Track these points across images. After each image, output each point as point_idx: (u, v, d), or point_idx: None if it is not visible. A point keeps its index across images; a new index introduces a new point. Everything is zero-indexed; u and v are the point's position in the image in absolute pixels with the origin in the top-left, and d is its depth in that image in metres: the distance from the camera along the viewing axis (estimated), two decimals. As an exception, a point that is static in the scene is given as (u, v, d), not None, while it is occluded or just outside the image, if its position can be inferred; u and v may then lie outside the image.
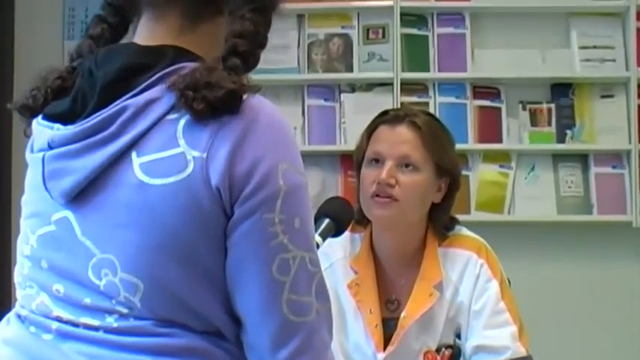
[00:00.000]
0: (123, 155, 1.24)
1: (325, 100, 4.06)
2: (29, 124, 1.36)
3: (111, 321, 1.24)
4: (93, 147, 1.25)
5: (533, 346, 2.13)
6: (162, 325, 1.24)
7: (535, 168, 4.00)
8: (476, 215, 3.91)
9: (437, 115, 3.89)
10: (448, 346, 2.15)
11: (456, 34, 4.05)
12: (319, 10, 4.07)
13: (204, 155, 1.22)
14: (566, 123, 4.00)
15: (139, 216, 1.23)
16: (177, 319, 1.24)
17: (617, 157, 3.98)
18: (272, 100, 4.17)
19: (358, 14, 4.09)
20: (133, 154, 1.24)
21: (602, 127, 3.99)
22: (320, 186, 3.91)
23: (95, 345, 1.24)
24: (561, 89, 4.03)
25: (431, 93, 4.03)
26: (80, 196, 1.26)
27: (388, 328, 2.16)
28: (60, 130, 1.28)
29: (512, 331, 2.10)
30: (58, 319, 1.28)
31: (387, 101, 3.92)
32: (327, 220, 1.97)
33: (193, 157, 1.22)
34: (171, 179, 1.21)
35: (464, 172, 3.83)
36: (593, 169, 3.97)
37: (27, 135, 1.36)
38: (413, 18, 4.07)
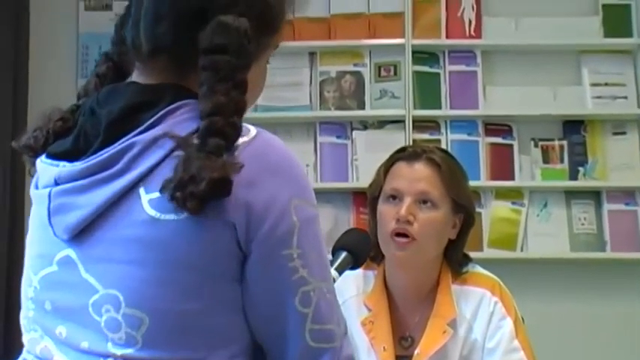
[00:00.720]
0: (130, 191, 1.24)
1: (337, 137, 4.08)
2: (33, 164, 1.37)
3: None
4: (100, 183, 1.25)
5: (547, 383, 2.12)
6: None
7: (547, 205, 4.00)
8: (488, 252, 3.90)
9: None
10: (462, 384, 2.14)
11: (467, 71, 4.07)
12: (331, 47, 4.10)
13: None
14: (578, 160, 4.01)
15: (149, 251, 1.22)
16: (183, 352, 1.24)
17: (629, 194, 3.98)
18: (284, 138, 4.19)
19: (370, 52, 4.12)
20: (141, 190, 1.24)
21: (614, 163, 4.00)
22: (332, 223, 3.91)
23: None
24: (573, 126, 4.05)
25: (443, 130, 4.05)
26: (84, 232, 1.27)
27: (402, 365, 2.15)
28: (66, 167, 1.29)
29: (526, 369, 2.09)
30: None
31: (399, 138, 3.94)
32: (344, 254, 1.95)
33: None
34: (184, 214, 1.21)
35: (476, 210, 3.84)
36: (606, 206, 3.97)
37: (31, 174, 1.37)
38: (424, 55, 4.09)
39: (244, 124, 1.27)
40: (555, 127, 4.06)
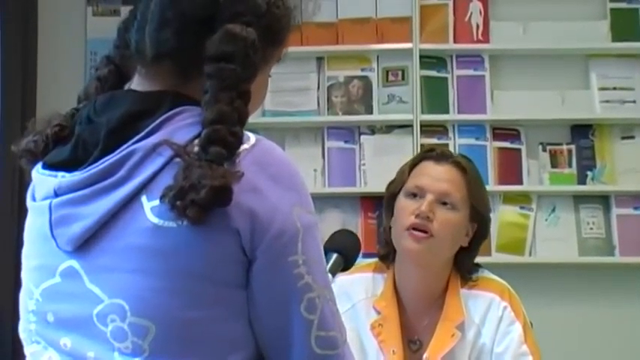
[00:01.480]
0: (133, 199, 1.23)
1: (345, 142, 4.08)
2: (31, 168, 1.36)
3: None
4: (102, 192, 1.24)
5: (556, 389, 2.12)
6: None
7: (556, 209, 4.00)
8: (497, 257, 3.90)
9: (457, 156, 3.95)
10: (471, 388, 2.15)
11: (475, 75, 4.08)
12: (339, 52, 4.11)
13: None
14: (586, 164, 4.01)
15: (153, 259, 1.22)
16: (190, 358, 1.24)
17: (638, 199, 3.98)
18: (292, 142, 4.17)
19: (378, 57, 4.13)
20: (143, 198, 1.23)
21: (623, 168, 3.99)
22: (340, 228, 3.90)
23: None
24: (581, 130, 4.05)
25: (451, 134, 4.05)
26: (87, 242, 1.26)
27: (411, 368, 2.16)
28: (66, 178, 1.28)
29: (535, 374, 2.10)
30: None
31: (406, 143, 3.94)
32: (335, 256, 1.94)
33: None
34: (188, 222, 1.21)
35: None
36: (615, 211, 3.97)
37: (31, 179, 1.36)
38: (432, 60, 4.10)
39: (244, 132, 1.27)
40: (563, 132, 4.06)
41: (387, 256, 2.23)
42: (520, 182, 4.01)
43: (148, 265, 1.22)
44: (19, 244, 4.03)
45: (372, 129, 4.09)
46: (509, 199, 4.00)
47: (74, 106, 1.39)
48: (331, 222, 3.83)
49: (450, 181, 2.17)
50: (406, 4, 4.09)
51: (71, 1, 4.22)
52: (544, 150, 4.03)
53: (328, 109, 4.09)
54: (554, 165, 4.01)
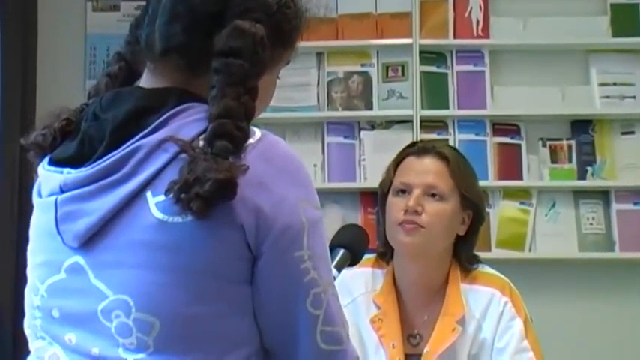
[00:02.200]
0: (138, 195, 1.24)
1: (345, 137, 4.10)
2: (39, 162, 1.37)
3: None
4: (107, 188, 1.25)
5: (555, 384, 2.12)
6: None
7: (556, 205, 4.01)
8: (497, 252, 3.91)
9: (457, 152, 3.95)
10: (471, 382, 2.16)
11: (475, 71, 4.08)
12: (339, 48, 4.12)
13: None
14: (586, 160, 4.01)
15: (158, 254, 1.22)
16: (195, 355, 1.24)
17: (638, 194, 3.99)
18: (292, 138, 4.16)
19: (377, 52, 4.13)
20: (148, 194, 1.24)
21: (623, 163, 4.00)
22: (340, 223, 3.88)
23: None
24: (581, 126, 4.05)
25: (450, 130, 4.06)
26: (93, 238, 1.26)
27: (411, 363, 2.17)
28: (72, 174, 1.28)
29: (536, 369, 2.11)
30: None
31: (406, 138, 3.91)
32: (342, 251, 1.93)
33: None
34: (192, 217, 1.21)
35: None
36: (615, 206, 3.97)
37: (36, 172, 1.37)
38: (432, 56, 4.11)
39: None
40: (563, 127, 4.07)
41: (385, 253, 2.25)
42: (520, 178, 4.02)
43: (152, 260, 1.22)
44: (19, 243, 3.99)
45: (372, 124, 4.10)
46: (509, 194, 4.01)
47: (83, 102, 1.40)
48: (331, 217, 3.83)
49: (434, 173, 2.19)
50: (406, 0, 4.09)
51: (71, -4, 4.25)
52: (544, 145, 4.04)
53: (328, 105, 4.10)
54: (554, 160, 4.02)
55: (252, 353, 1.28)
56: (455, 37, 4.10)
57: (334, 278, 1.60)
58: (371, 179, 3.92)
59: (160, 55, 1.32)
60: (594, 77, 4.05)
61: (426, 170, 2.19)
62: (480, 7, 4.10)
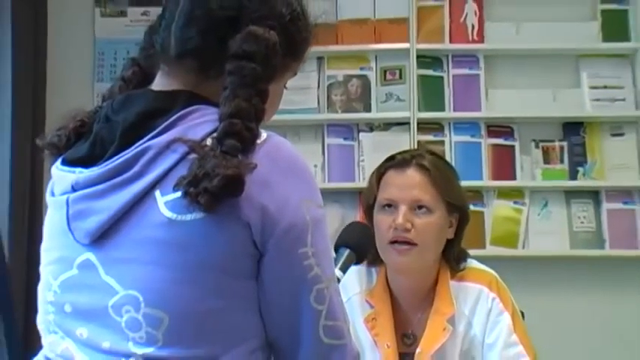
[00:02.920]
0: (147, 194, 1.25)
1: (344, 139, 4.11)
2: (53, 162, 1.39)
3: None
4: (117, 187, 1.26)
5: (546, 378, 2.12)
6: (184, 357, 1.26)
7: (548, 204, 4.03)
8: (491, 250, 3.94)
9: (452, 153, 3.98)
10: (464, 379, 2.13)
11: (470, 75, 4.11)
12: (338, 52, 4.14)
13: None
14: (577, 160, 4.04)
15: (166, 251, 1.24)
16: (203, 348, 1.25)
17: (627, 194, 4.01)
18: (293, 139, 4.20)
19: (376, 56, 4.16)
20: (157, 193, 1.25)
21: (612, 164, 4.03)
22: (339, 222, 3.88)
23: None
24: (572, 128, 4.08)
25: (446, 132, 4.08)
26: (103, 235, 1.28)
27: (405, 363, 2.16)
28: (83, 173, 1.30)
29: (527, 362, 2.09)
30: None
31: (404, 140, 3.98)
32: (347, 252, 1.90)
33: None
34: (200, 214, 1.23)
35: (479, 209, 3.90)
36: (605, 205, 4.00)
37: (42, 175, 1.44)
38: (428, 60, 4.13)
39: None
40: (555, 129, 4.09)
41: (375, 261, 2.21)
42: (513, 178, 4.04)
43: (161, 257, 1.24)
44: (32, 243, 3.93)
45: (371, 126, 4.12)
46: (502, 194, 4.03)
47: (98, 105, 1.43)
48: (331, 216, 3.82)
49: (417, 186, 2.14)
50: (403, 6, 4.12)
51: (80, 2, 4.23)
52: (537, 146, 4.06)
53: (328, 107, 4.13)
54: (546, 161, 4.04)
55: (258, 347, 1.30)
56: (451, 41, 4.12)
57: (338, 280, 1.64)
58: (370, 179, 3.98)
59: (176, 58, 1.34)
60: (585, 80, 4.07)
61: (409, 184, 2.15)
62: (475, 13, 4.12)
